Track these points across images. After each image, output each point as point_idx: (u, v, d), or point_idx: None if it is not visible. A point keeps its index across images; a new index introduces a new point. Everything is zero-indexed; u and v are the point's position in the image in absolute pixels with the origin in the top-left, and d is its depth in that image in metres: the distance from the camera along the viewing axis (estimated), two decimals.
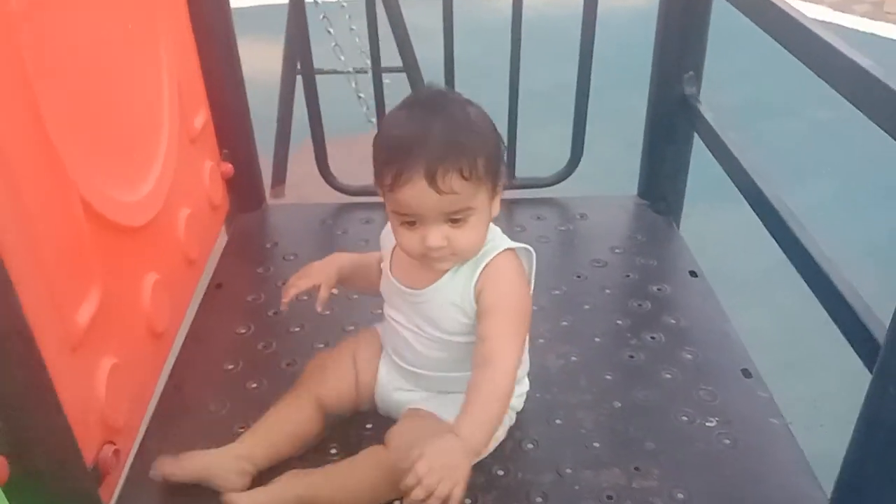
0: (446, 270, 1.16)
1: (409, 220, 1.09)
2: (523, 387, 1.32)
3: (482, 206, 1.10)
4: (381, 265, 1.28)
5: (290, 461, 1.23)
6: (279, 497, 1.13)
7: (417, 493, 0.95)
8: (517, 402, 1.30)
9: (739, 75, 4.06)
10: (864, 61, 1.02)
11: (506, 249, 1.15)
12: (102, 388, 1.14)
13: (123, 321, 1.25)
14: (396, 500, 1.14)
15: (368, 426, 1.32)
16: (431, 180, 1.02)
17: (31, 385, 0.94)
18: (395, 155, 1.05)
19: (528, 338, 1.21)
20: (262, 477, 1.19)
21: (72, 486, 1.05)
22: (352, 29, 2.82)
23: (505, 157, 1.13)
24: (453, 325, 1.18)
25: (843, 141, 3.74)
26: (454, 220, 1.08)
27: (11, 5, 0.95)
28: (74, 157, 1.09)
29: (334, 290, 1.34)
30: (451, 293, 1.16)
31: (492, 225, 1.17)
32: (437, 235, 1.08)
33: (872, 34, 4.92)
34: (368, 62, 1.96)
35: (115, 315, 1.20)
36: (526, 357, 1.27)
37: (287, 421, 1.24)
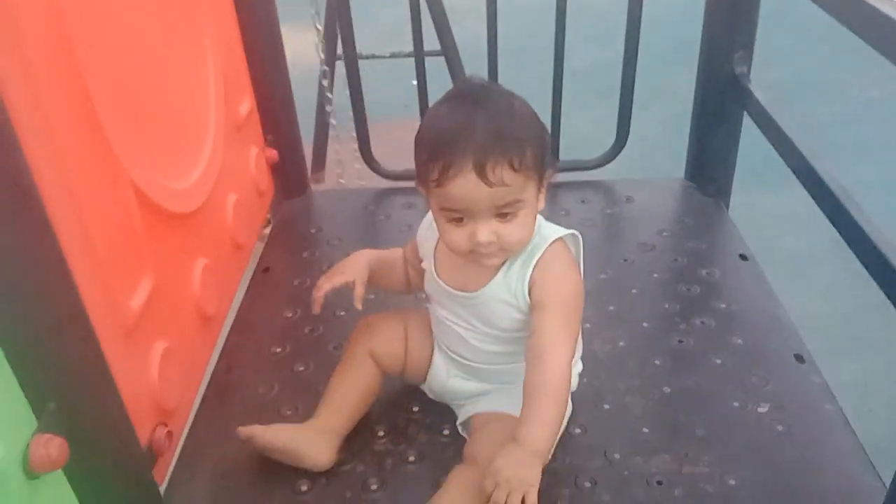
0: (497, 269, 1.14)
1: (457, 217, 1.06)
2: (577, 367, 1.30)
3: (531, 199, 1.08)
4: (424, 265, 1.26)
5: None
6: None
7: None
8: (573, 381, 1.28)
9: (783, 54, 3.96)
10: None
11: (554, 241, 1.13)
12: (155, 371, 1.16)
13: (175, 306, 1.27)
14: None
15: (415, 409, 1.33)
16: (481, 172, 1.00)
17: (88, 369, 0.96)
18: (441, 149, 1.02)
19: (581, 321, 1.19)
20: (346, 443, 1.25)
21: (127, 468, 1.07)
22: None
23: (549, 146, 1.11)
24: (510, 323, 1.17)
25: (887, 122, 3.62)
26: (503, 213, 1.05)
27: None
28: (125, 145, 1.10)
29: None
30: (505, 292, 1.14)
31: (540, 218, 1.16)
32: (486, 230, 1.05)
33: None
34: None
35: (166, 300, 1.22)
36: (580, 339, 1.26)
37: (354, 384, 1.27)
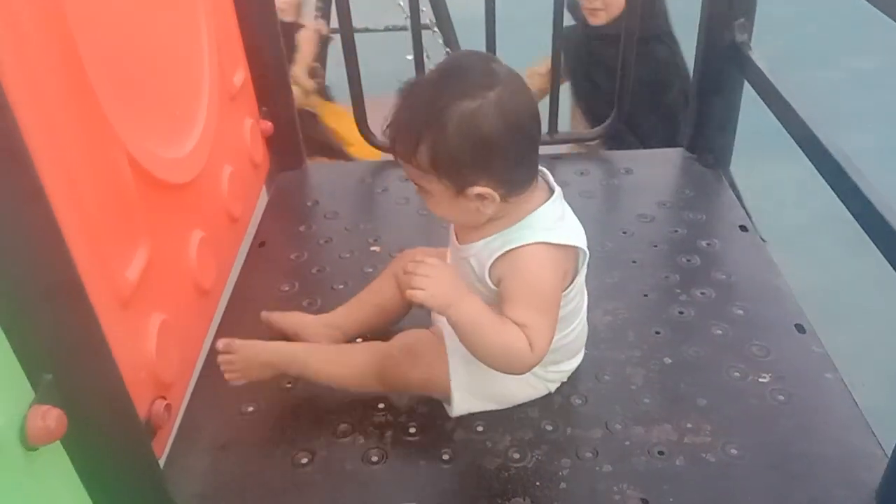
0: (486, 235, 1.13)
1: None
2: (570, 364, 1.30)
3: (436, 192, 1.08)
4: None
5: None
6: (283, 348, 1.29)
7: (406, 277, 1.10)
8: (557, 376, 1.28)
9: (775, 24, 3.93)
10: None
11: (536, 243, 1.09)
12: (153, 343, 1.15)
13: (171, 278, 1.26)
14: (378, 394, 1.27)
15: None
16: (391, 142, 1.09)
17: (85, 339, 0.94)
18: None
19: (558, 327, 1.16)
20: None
21: (126, 441, 1.06)
22: None
23: (493, 161, 1.05)
24: (470, 285, 1.16)
25: (883, 91, 3.62)
26: (419, 186, 1.10)
27: None
28: (119, 113, 1.08)
29: None
30: (475, 260, 1.15)
31: (542, 211, 1.12)
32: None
33: None
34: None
35: (163, 272, 1.20)
36: (570, 341, 1.25)
37: (371, 296, 1.39)
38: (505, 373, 1.15)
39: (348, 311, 1.38)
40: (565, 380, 1.29)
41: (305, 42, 2.77)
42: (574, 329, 1.24)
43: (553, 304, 1.12)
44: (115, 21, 1.15)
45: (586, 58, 2.45)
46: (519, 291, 1.10)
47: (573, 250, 1.14)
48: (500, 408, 1.25)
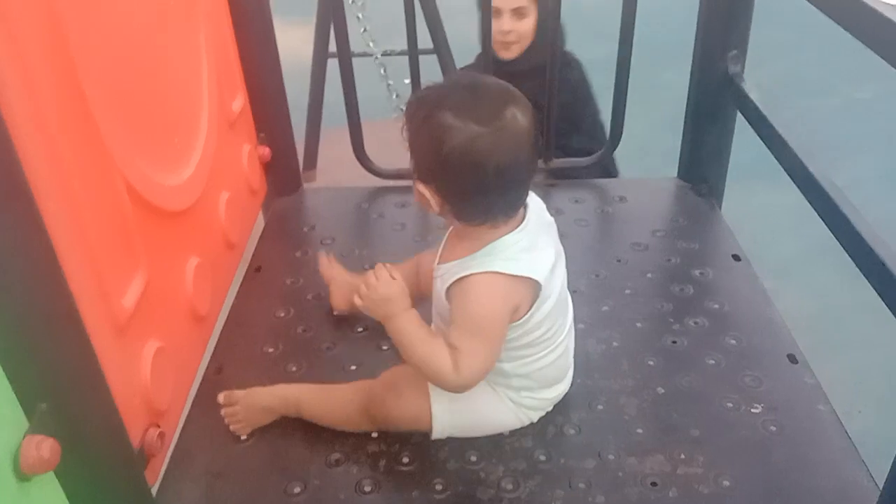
0: (459, 256, 1.16)
1: None
2: (550, 393, 1.28)
3: (422, 189, 1.12)
4: None
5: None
6: (279, 391, 1.31)
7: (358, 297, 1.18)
8: (536, 403, 1.27)
9: (773, 52, 3.98)
10: None
11: (488, 272, 1.11)
12: (147, 371, 1.15)
13: (167, 305, 1.26)
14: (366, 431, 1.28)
15: None
16: None
17: (80, 368, 0.95)
18: None
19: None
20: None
21: (119, 469, 1.06)
22: (358, 18, 2.77)
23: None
24: (440, 306, 1.19)
25: (880, 119, 3.65)
26: None
27: None
28: (119, 141, 1.09)
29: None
30: (440, 282, 1.18)
31: (506, 240, 1.13)
32: None
33: None
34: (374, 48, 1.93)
35: (159, 299, 1.21)
36: (541, 368, 1.24)
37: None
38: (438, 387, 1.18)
39: None
40: (549, 409, 1.29)
41: None
42: (544, 357, 1.22)
43: (489, 333, 1.13)
44: (116, 48, 1.16)
45: None
46: (457, 315, 1.13)
47: (531, 282, 1.13)
48: (477, 435, 1.27)
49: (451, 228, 1.23)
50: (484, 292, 1.12)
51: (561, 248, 1.25)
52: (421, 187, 1.13)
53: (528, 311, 1.16)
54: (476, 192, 1.09)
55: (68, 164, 0.96)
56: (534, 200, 1.21)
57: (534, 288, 1.15)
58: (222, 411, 1.29)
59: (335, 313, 1.54)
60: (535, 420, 1.28)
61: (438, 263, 1.21)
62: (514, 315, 1.15)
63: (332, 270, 1.56)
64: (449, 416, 1.24)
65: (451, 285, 1.14)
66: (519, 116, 1.07)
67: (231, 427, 1.29)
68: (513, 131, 1.07)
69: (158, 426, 1.17)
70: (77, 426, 0.93)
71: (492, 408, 1.24)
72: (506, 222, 1.14)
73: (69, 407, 0.93)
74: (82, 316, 0.93)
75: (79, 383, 0.94)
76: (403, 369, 1.26)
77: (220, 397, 1.30)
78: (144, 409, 1.15)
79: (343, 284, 1.53)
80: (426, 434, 1.26)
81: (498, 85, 1.12)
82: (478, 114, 1.06)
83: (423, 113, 1.09)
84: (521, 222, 1.16)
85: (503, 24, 2.24)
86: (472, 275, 1.12)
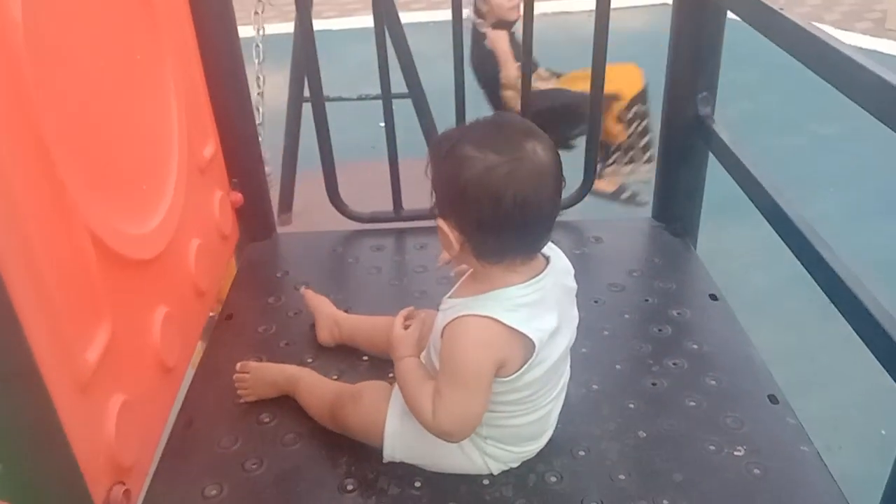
0: (463, 296, 1.16)
1: None
2: (519, 449, 1.25)
3: (442, 225, 1.12)
4: None
5: None
6: (286, 370, 1.42)
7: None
8: (501, 454, 1.24)
9: (738, 92, 4.06)
10: (892, 77, 0.99)
11: (484, 316, 1.08)
12: (112, 426, 1.10)
13: (133, 357, 1.22)
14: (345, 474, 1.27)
15: None
16: None
17: (39, 427, 0.91)
18: None
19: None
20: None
21: None
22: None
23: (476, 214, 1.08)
24: (435, 342, 1.18)
25: (845, 156, 3.73)
26: None
27: (15, 37, 0.93)
28: (82, 189, 1.07)
29: None
30: (441, 317, 1.16)
31: (512, 290, 1.11)
32: None
33: (875, 51, 4.93)
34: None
35: (124, 351, 1.17)
36: (517, 426, 1.21)
37: (374, 327, 1.51)
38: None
39: (353, 323, 1.54)
40: (515, 465, 1.25)
41: (498, 41, 2.94)
42: (521, 417, 1.19)
43: (470, 383, 1.10)
44: (81, 97, 1.14)
45: None
46: (444, 358, 1.12)
47: (526, 340, 1.10)
48: (430, 469, 1.25)
49: (468, 272, 1.21)
50: (472, 338, 1.09)
51: (575, 315, 1.23)
52: (441, 223, 1.12)
53: (516, 371, 1.12)
54: (494, 224, 1.07)
55: (27, 214, 0.93)
56: (561, 261, 1.20)
57: (527, 347, 1.11)
58: (234, 377, 1.42)
59: (321, 344, 1.56)
60: (495, 472, 1.24)
61: (448, 298, 1.20)
62: (500, 370, 1.11)
63: (319, 304, 1.60)
64: (400, 439, 1.24)
65: (448, 323, 1.11)
66: (539, 151, 1.07)
67: (238, 392, 1.41)
68: (532, 163, 1.06)
69: (124, 483, 1.12)
70: (34, 489, 0.90)
71: (445, 445, 1.19)
72: (522, 265, 1.12)
73: (27, 468, 0.89)
74: (42, 372, 0.89)
75: (37, 443, 0.90)
76: (375, 384, 1.33)
77: (238, 365, 1.43)
78: (109, 467, 1.10)
79: (328, 318, 1.57)
80: (403, 485, 1.23)
81: (521, 121, 1.14)
82: (497, 145, 1.06)
83: (445, 147, 1.10)
84: (537, 276, 1.13)
85: None
86: (467, 315, 1.09)
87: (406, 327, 1.24)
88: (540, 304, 1.12)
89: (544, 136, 1.10)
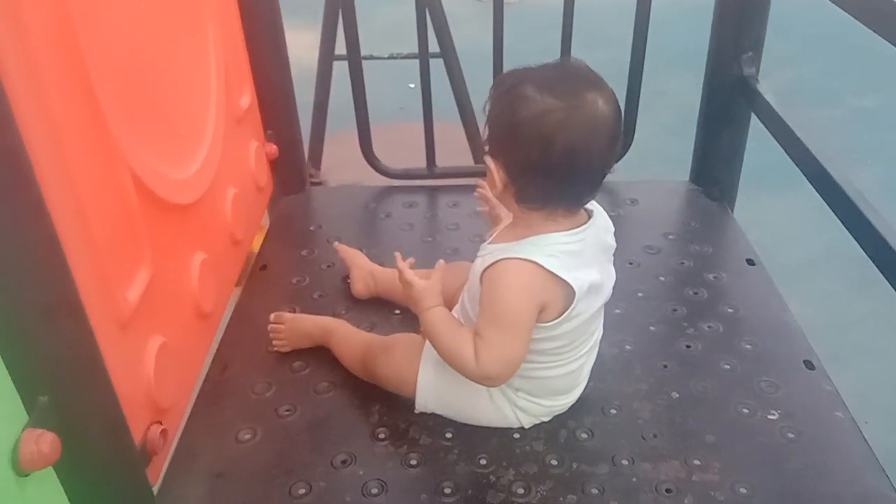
0: (503, 240, 1.15)
1: None
2: (551, 402, 1.25)
3: (490, 161, 1.11)
4: None
5: None
6: (320, 322, 1.43)
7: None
8: (534, 408, 1.24)
9: (776, 63, 3.98)
10: None
11: (525, 259, 1.08)
12: (151, 367, 1.12)
13: (172, 300, 1.24)
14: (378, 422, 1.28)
15: (417, 411, 1.29)
16: None
17: (82, 361, 0.92)
18: None
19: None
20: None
21: (120, 467, 1.03)
22: None
23: (518, 150, 1.07)
24: (473, 287, 1.18)
25: (885, 128, 3.64)
26: None
27: None
28: (126, 132, 1.07)
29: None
30: (480, 261, 1.15)
31: (554, 236, 1.10)
32: None
33: None
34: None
35: (163, 294, 1.18)
36: (551, 378, 1.21)
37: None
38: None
39: (389, 276, 1.49)
40: (546, 419, 1.25)
41: None
42: (554, 368, 1.19)
43: (513, 327, 1.10)
44: (124, 40, 1.14)
45: None
46: (485, 301, 1.11)
47: (566, 287, 1.09)
48: (461, 420, 1.25)
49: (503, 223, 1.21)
50: (514, 280, 1.08)
51: (612, 273, 1.22)
52: (489, 161, 1.11)
53: (555, 318, 1.12)
54: (540, 169, 1.06)
55: (74, 153, 0.93)
56: (603, 218, 1.19)
57: (567, 295, 1.10)
58: (269, 327, 1.43)
59: (356, 296, 1.57)
60: (526, 426, 1.24)
61: (487, 244, 1.19)
62: (541, 315, 1.11)
63: (354, 256, 1.61)
64: (433, 390, 1.25)
65: (486, 269, 1.11)
66: (600, 102, 1.05)
67: (273, 342, 1.42)
68: (589, 114, 1.04)
69: (161, 423, 1.14)
70: (78, 421, 0.91)
71: (477, 396, 1.21)
72: (564, 216, 1.11)
73: (70, 401, 0.90)
74: (85, 308, 0.90)
75: (80, 377, 0.91)
76: (408, 337, 1.32)
77: (272, 316, 1.44)
78: (147, 406, 1.12)
79: (364, 270, 1.57)
80: (435, 435, 1.23)
81: (588, 70, 1.10)
82: (558, 90, 1.05)
83: (507, 84, 1.08)
84: (579, 227, 1.12)
85: None
86: (508, 259, 1.09)
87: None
88: (580, 255, 1.11)
89: (609, 89, 1.07)
